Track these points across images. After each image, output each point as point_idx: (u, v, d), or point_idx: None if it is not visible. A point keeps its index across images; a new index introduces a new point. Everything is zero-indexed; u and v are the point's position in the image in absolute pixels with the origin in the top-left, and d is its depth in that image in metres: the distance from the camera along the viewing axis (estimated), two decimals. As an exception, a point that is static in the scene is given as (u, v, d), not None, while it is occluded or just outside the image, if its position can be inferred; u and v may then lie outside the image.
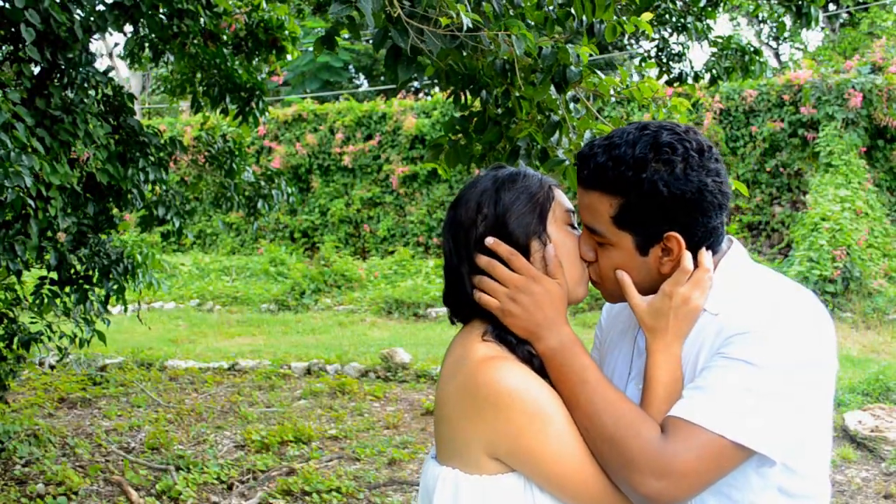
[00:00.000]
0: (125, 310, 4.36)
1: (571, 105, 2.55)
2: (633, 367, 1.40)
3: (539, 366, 1.29)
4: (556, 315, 1.29)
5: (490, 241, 1.30)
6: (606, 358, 1.51)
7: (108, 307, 4.08)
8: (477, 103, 2.67)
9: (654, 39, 4.72)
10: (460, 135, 2.66)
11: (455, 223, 1.36)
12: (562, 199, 1.37)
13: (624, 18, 2.56)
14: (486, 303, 1.31)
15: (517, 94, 2.34)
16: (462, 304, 1.37)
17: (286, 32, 5.05)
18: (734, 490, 1.25)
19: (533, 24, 2.43)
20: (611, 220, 1.29)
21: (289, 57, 5.19)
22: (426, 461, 1.39)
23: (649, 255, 1.30)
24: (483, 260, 1.31)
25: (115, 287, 3.91)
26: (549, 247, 1.32)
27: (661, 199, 1.24)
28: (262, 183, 5.20)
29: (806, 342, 1.21)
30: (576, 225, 1.39)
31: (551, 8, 2.52)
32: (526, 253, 1.31)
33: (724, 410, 1.17)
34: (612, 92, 2.47)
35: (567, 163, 2.50)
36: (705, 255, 1.30)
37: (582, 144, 2.53)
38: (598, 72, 2.43)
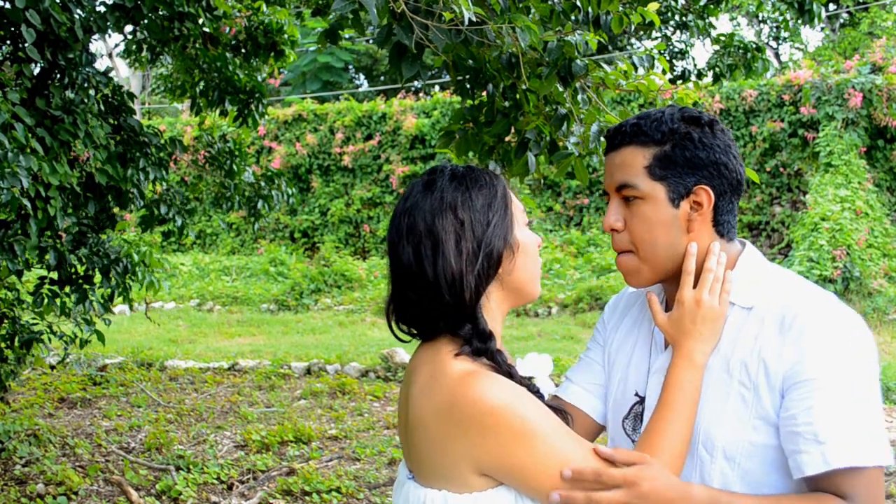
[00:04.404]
0: (130, 307, 4.33)
1: (579, 97, 2.54)
2: (651, 362, 1.42)
3: (520, 380, 1.24)
4: (677, 484, 1.20)
5: (567, 472, 1.16)
6: (616, 358, 1.50)
7: (111, 306, 4.07)
8: (484, 96, 2.66)
9: (655, 38, 4.71)
10: (470, 123, 2.65)
11: (417, 231, 1.24)
12: (515, 198, 1.34)
13: (631, 9, 2.55)
14: None
15: (524, 87, 2.33)
16: (432, 319, 1.26)
17: (286, 36, 5.05)
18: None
19: (538, 17, 2.42)
20: (645, 170, 1.33)
21: (289, 60, 5.19)
22: (402, 483, 1.31)
23: (680, 209, 1.32)
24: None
25: (119, 288, 3.90)
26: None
27: (694, 148, 1.31)
28: (263, 184, 5.19)
29: (865, 338, 1.25)
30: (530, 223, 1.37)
31: (557, 0, 2.51)
32: (499, 262, 1.26)
33: (854, 440, 1.18)
34: (620, 84, 2.46)
35: (575, 154, 2.50)
36: (711, 256, 1.32)
37: (590, 136, 2.54)
38: (604, 65, 2.43)
